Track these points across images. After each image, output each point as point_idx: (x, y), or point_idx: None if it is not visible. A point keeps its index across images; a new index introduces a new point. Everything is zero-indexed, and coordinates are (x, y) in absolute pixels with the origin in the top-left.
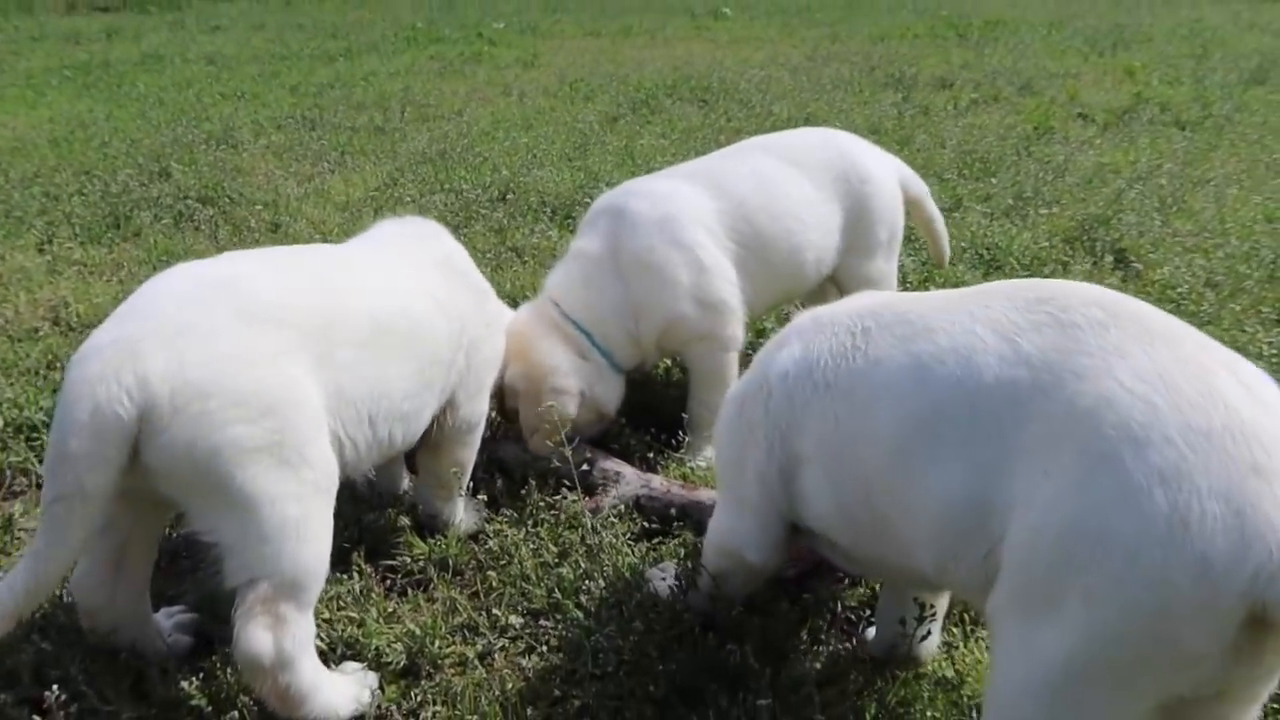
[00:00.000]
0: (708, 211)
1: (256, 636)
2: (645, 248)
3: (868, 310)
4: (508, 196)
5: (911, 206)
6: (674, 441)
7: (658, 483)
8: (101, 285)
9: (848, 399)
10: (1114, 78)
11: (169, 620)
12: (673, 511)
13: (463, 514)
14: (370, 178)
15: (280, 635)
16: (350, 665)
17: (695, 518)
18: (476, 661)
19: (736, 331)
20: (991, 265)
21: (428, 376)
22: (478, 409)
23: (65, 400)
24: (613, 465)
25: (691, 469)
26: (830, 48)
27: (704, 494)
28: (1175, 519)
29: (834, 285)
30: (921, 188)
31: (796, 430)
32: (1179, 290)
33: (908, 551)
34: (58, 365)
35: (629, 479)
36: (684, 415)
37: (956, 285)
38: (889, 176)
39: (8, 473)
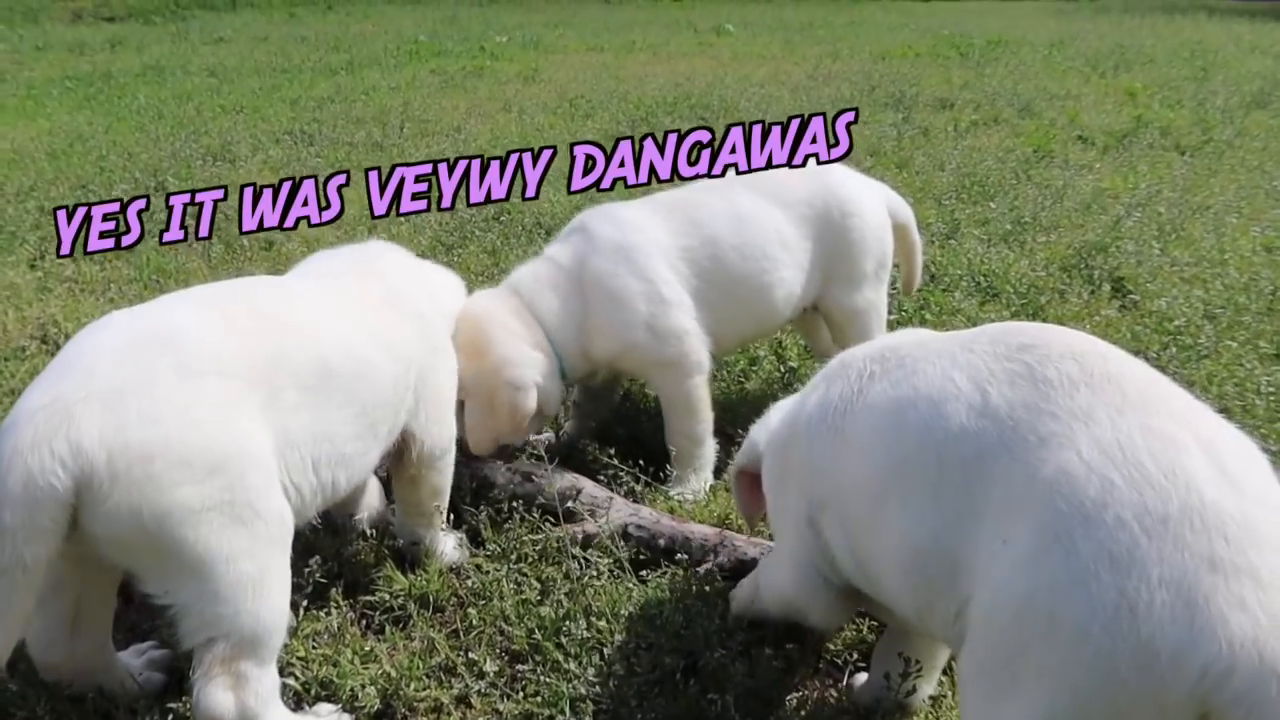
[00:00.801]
0: (675, 246)
1: (217, 698)
2: (607, 273)
3: (879, 352)
4: (502, 218)
5: (896, 232)
6: (661, 474)
7: (647, 513)
8: (91, 303)
9: (849, 445)
10: (1115, 99)
11: (139, 658)
12: (661, 543)
13: (444, 545)
14: (365, 194)
15: (242, 694)
16: (324, 707)
17: (683, 551)
18: (451, 707)
19: (700, 357)
20: (988, 293)
21: (372, 418)
22: (445, 434)
23: None
24: (601, 493)
25: (679, 502)
26: (831, 66)
27: (694, 528)
28: (1123, 605)
29: (821, 317)
30: (907, 214)
31: (818, 475)
32: (1176, 323)
33: (895, 600)
34: None
35: (617, 506)
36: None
37: (952, 313)
38: (875, 207)
39: None
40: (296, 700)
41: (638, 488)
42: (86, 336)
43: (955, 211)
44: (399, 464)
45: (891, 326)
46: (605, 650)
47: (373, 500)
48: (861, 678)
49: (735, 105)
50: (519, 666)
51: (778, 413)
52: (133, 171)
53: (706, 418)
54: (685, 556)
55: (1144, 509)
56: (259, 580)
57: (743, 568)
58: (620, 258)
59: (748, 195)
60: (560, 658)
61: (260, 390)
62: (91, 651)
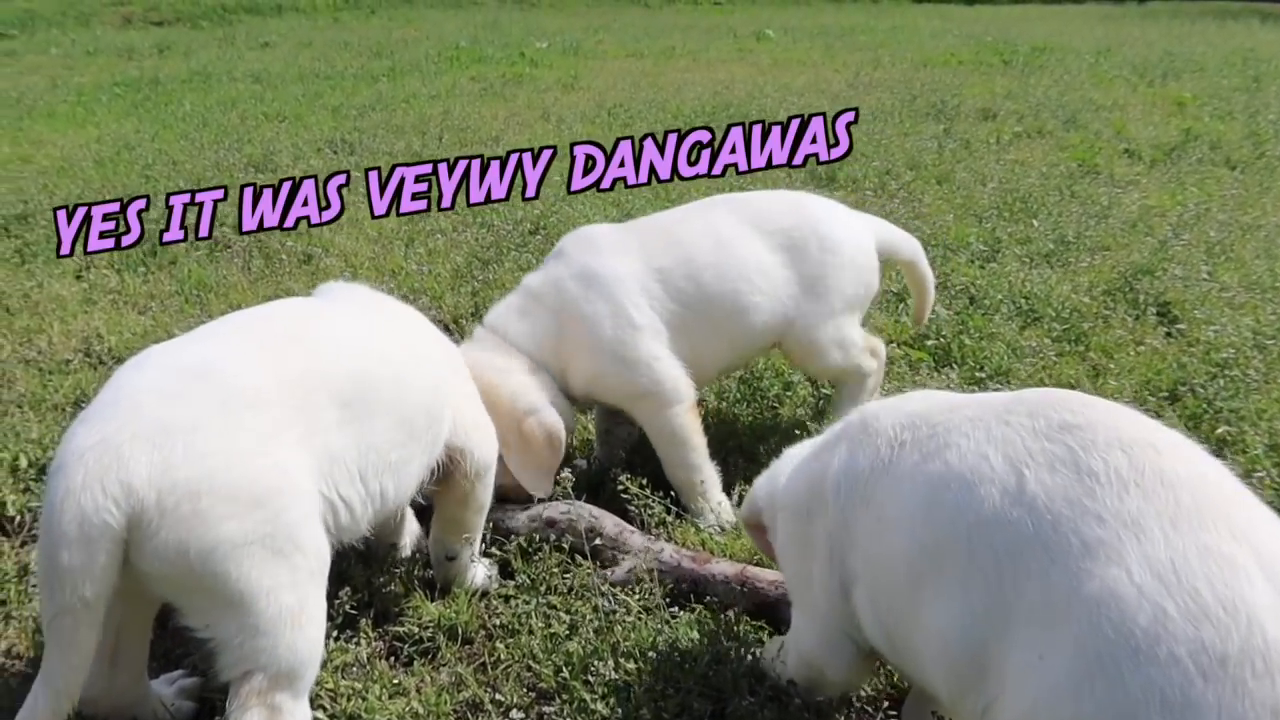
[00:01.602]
0: (650, 268)
1: None
2: (576, 297)
3: (909, 419)
4: (538, 232)
5: (904, 269)
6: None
7: (668, 554)
8: (134, 317)
9: (880, 517)
10: (1163, 110)
11: (170, 687)
12: (684, 586)
13: (476, 570)
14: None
15: None
16: None
17: (704, 592)
18: None
19: (676, 385)
20: (1029, 316)
21: (412, 425)
22: (488, 449)
23: (51, 512)
24: (621, 535)
25: (708, 534)
26: (872, 74)
27: (716, 568)
28: None
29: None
30: (913, 250)
31: (850, 546)
32: (1224, 353)
33: (929, 683)
34: (86, 402)
35: (636, 552)
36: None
37: (991, 337)
38: (858, 245)
39: (27, 517)
40: None
41: (668, 518)
42: (128, 374)
43: (996, 230)
44: (449, 483)
45: (930, 351)
46: (633, 690)
47: (411, 529)
48: None
49: (774, 114)
50: (546, 708)
51: (787, 464)
52: (177, 181)
53: (697, 445)
54: (713, 599)
55: (1200, 646)
56: (298, 612)
57: (763, 609)
58: (589, 282)
59: (729, 219)
60: (587, 698)
61: (300, 416)
62: (129, 684)
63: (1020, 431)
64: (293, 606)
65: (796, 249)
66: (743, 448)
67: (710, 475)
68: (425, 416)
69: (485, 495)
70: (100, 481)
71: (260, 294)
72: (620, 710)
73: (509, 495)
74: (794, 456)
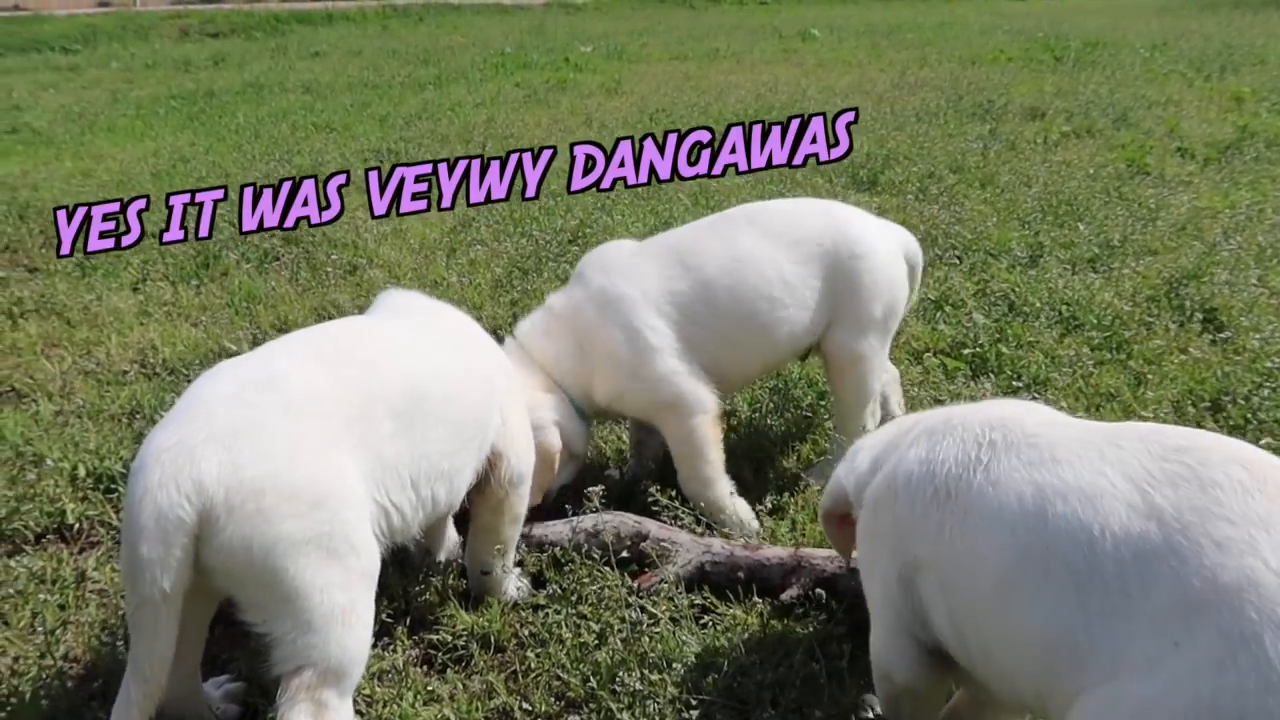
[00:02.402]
0: (665, 291)
1: None
2: (593, 322)
3: (998, 422)
4: (578, 240)
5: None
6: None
7: (718, 546)
8: (187, 329)
9: (965, 514)
10: (1219, 106)
11: (217, 690)
12: (740, 575)
13: (508, 581)
14: (448, 216)
15: None
16: None
17: (761, 579)
18: None
19: (697, 396)
20: (1070, 324)
21: (464, 434)
22: (528, 453)
23: (131, 508)
24: (667, 534)
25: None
26: (919, 73)
27: (768, 552)
28: None
29: (820, 357)
30: (918, 261)
31: (917, 535)
32: (1270, 363)
33: (1003, 676)
34: (141, 412)
35: (687, 547)
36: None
37: (1030, 345)
38: (888, 251)
39: (85, 524)
40: None
41: (698, 528)
42: (202, 384)
43: (1040, 234)
44: (484, 490)
45: (967, 360)
46: (658, 701)
47: (451, 537)
48: None
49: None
50: (572, 717)
51: (865, 454)
52: (230, 193)
53: (714, 458)
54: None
55: None
56: (348, 611)
57: (824, 584)
58: (606, 307)
59: (750, 234)
60: (613, 707)
61: (357, 426)
62: (183, 681)
63: (1136, 454)
64: (344, 605)
65: (827, 257)
66: (772, 459)
67: (723, 489)
68: (475, 425)
69: (520, 505)
70: (175, 480)
71: (307, 305)
72: (645, 719)
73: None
74: (871, 447)
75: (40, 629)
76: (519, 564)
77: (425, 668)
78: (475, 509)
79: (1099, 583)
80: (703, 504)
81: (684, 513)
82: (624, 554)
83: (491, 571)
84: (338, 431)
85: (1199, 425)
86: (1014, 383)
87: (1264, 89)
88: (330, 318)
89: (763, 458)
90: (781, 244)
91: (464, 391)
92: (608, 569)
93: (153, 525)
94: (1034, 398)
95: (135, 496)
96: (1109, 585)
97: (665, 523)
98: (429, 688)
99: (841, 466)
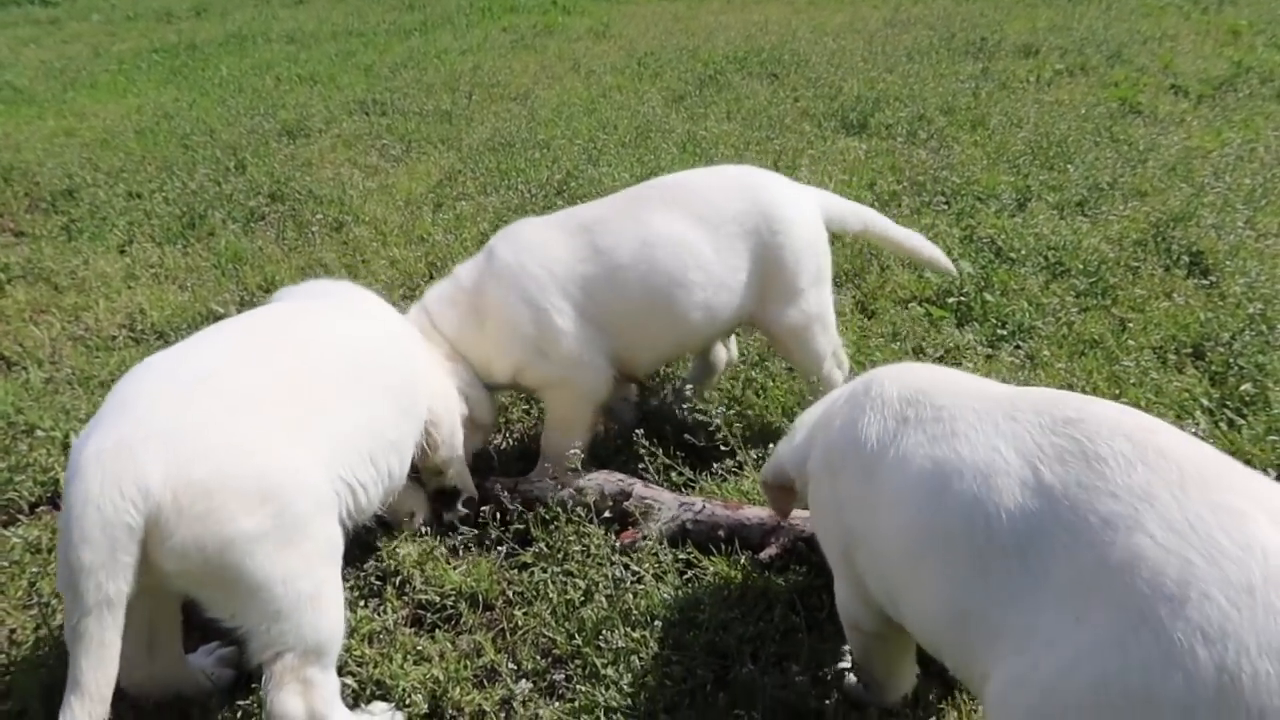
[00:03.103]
0: (574, 274)
1: (289, 703)
2: (499, 299)
3: (913, 396)
4: (564, 193)
5: (876, 240)
6: (709, 461)
7: (700, 505)
8: (174, 292)
9: (880, 490)
10: (1216, 40)
11: (209, 657)
12: (720, 534)
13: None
14: (433, 169)
15: (310, 698)
16: (379, 706)
17: (742, 537)
18: (494, 717)
19: (590, 387)
20: (1056, 270)
21: (402, 402)
22: (452, 408)
23: (71, 515)
24: (650, 493)
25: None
26: (912, 9)
27: (748, 512)
28: (1224, 679)
29: (761, 330)
30: (868, 219)
31: (852, 509)
32: (1254, 308)
33: (930, 646)
34: None
35: (670, 506)
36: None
37: (1017, 292)
38: (807, 220)
39: None
40: (354, 698)
41: (688, 472)
42: (135, 380)
43: (1029, 178)
44: (424, 456)
45: (951, 308)
46: (641, 656)
47: (421, 503)
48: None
49: (806, 59)
50: (557, 675)
51: (802, 430)
52: (214, 150)
53: (578, 438)
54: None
55: (1227, 583)
56: (315, 596)
57: (803, 545)
58: (513, 284)
59: (665, 215)
60: (598, 663)
61: (300, 409)
62: (169, 665)
63: (1028, 428)
64: (310, 591)
65: (748, 238)
66: (758, 413)
67: (566, 459)
68: (410, 393)
69: (458, 448)
70: (119, 484)
71: (294, 264)
72: (629, 675)
73: None
74: (807, 423)
75: (36, 600)
76: (507, 526)
77: (415, 628)
78: (426, 474)
79: (999, 559)
80: (548, 464)
81: (676, 465)
82: (607, 513)
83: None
84: (280, 421)
85: (1180, 371)
86: (999, 330)
87: (1261, 21)
88: (316, 277)
89: (749, 413)
90: (699, 226)
91: (396, 364)
92: (592, 527)
93: (98, 531)
94: (1018, 347)
95: (75, 503)
96: (1010, 562)
97: (649, 481)
98: (418, 648)
99: (783, 442)
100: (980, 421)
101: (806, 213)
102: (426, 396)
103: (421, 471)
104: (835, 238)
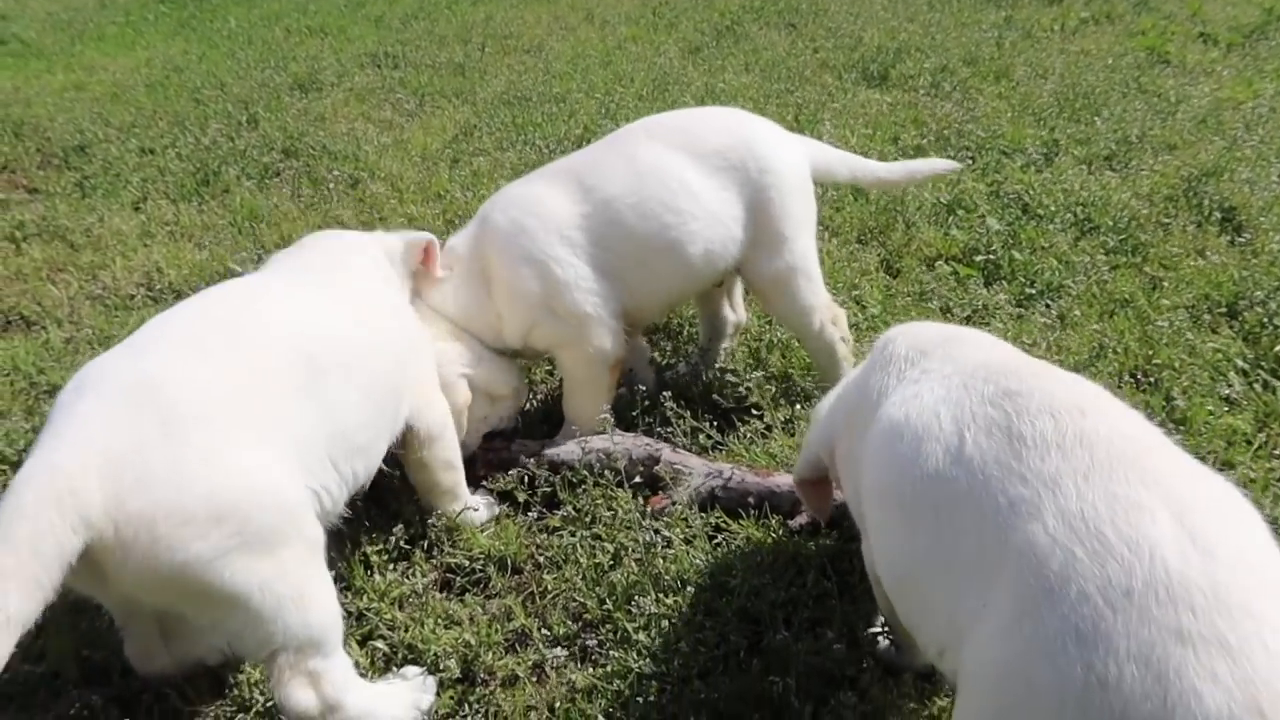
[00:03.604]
0: (569, 218)
1: (297, 695)
2: (499, 261)
3: (914, 355)
4: (582, 145)
5: (870, 185)
6: (734, 422)
7: (729, 471)
8: (191, 250)
9: (863, 448)
10: None
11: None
12: (750, 500)
13: (473, 514)
14: (449, 124)
15: (320, 687)
16: (410, 670)
17: (772, 505)
18: (526, 681)
19: (603, 342)
20: (1085, 226)
21: (375, 402)
22: (436, 414)
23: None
24: (679, 458)
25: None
26: None
27: (779, 479)
28: (1092, 680)
29: (746, 282)
30: (854, 165)
31: (853, 464)
32: None
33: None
34: None
35: (697, 471)
36: (716, 398)
37: (1044, 250)
38: (794, 163)
39: None
40: (385, 662)
41: (716, 435)
42: (70, 397)
43: (1055, 131)
44: (406, 451)
45: (979, 266)
46: (673, 621)
47: None
48: (884, 642)
49: (825, 8)
50: (589, 640)
51: (825, 410)
52: (225, 104)
53: (600, 400)
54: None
55: (1107, 582)
56: (298, 595)
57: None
58: (511, 243)
59: (650, 146)
60: (629, 628)
61: (255, 411)
62: (188, 649)
63: (971, 394)
64: (290, 593)
65: (735, 171)
66: (783, 372)
67: (592, 425)
68: (389, 397)
69: (444, 455)
70: (57, 508)
71: (311, 222)
72: (660, 641)
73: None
74: (828, 401)
75: None
76: (534, 489)
77: (444, 591)
78: (408, 469)
79: (921, 524)
80: (574, 426)
81: (706, 427)
82: (637, 479)
83: (449, 515)
84: (231, 426)
85: (1214, 331)
86: (1027, 289)
87: None
88: None
89: (773, 372)
90: (685, 156)
91: (369, 358)
92: (620, 490)
93: (24, 540)
94: (1047, 306)
95: (6, 515)
96: (927, 527)
97: (676, 446)
98: (449, 611)
99: (811, 431)
100: (939, 385)
101: (794, 156)
102: (410, 392)
103: (405, 465)
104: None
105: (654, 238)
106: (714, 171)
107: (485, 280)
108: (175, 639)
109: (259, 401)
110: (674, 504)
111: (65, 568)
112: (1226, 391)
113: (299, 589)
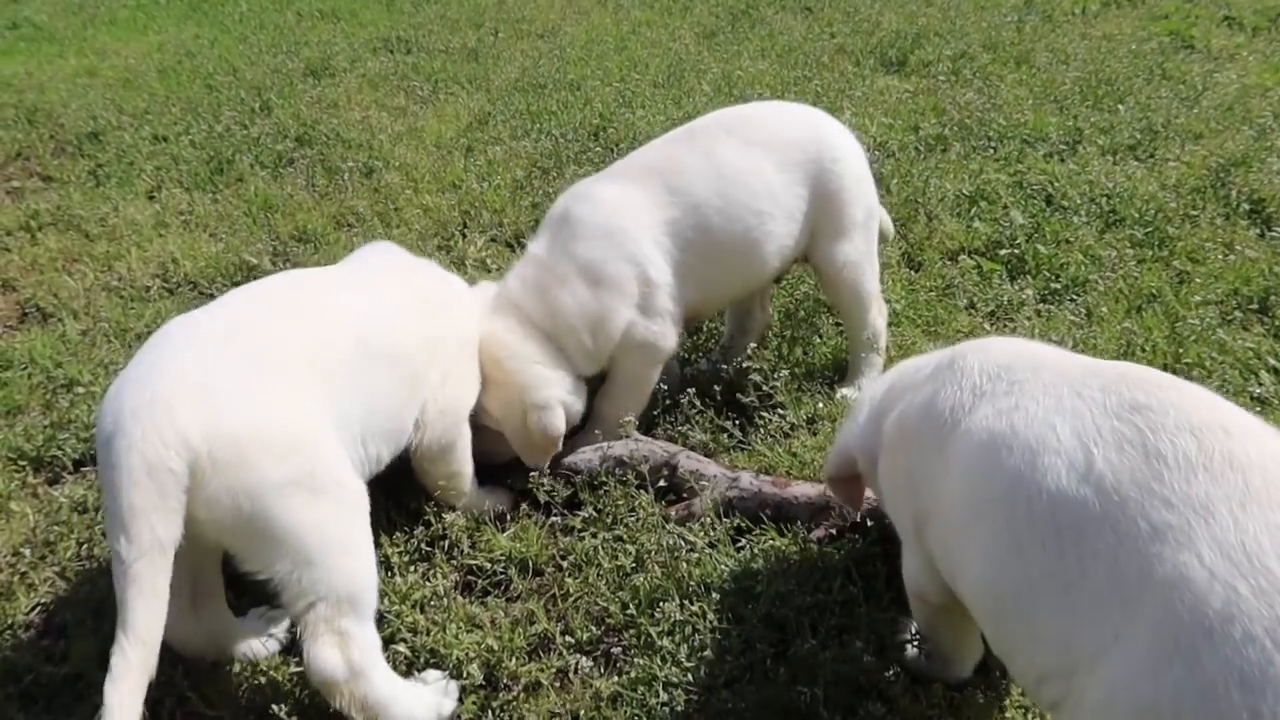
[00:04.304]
0: (658, 221)
1: (325, 655)
2: (596, 260)
3: (996, 369)
4: (599, 137)
5: None
6: (757, 421)
7: (746, 480)
8: (206, 241)
9: (947, 465)
10: None
11: (261, 619)
12: (767, 512)
13: (481, 500)
14: (463, 111)
15: (348, 649)
16: (432, 674)
17: (789, 516)
18: (550, 688)
19: (669, 344)
20: (1110, 219)
21: (407, 393)
22: (449, 428)
23: (118, 463)
24: (697, 465)
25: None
26: None
27: (797, 490)
28: None
29: (811, 268)
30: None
31: (925, 483)
32: None
33: (984, 631)
34: None
35: (717, 478)
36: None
37: (1067, 244)
38: (860, 154)
39: None
40: (408, 666)
41: (738, 434)
42: (168, 336)
43: (1078, 119)
44: (414, 454)
45: (1003, 260)
46: (698, 628)
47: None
48: (911, 650)
49: None
50: (612, 646)
51: (865, 408)
52: (238, 91)
53: (645, 401)
54: (797, 524)
55: (1275, 623)
56: (345, 541)
57: (854, 529)
58: (607, 242)
59: (729, 145)
60: (653, 632)
61: (317, 375)
62: (213, 620)
63: (1091, 406)
64: (339, 537)
65: (810, 163)
66: (803, 367)
67: (622, 425)
68: (417, 391)
69: (445, 469)
70: (160, 435)
71: (326, 212)
72: (685, 647)
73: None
74: (869, 399)
75: (86, 559)
76: (553, 493)
77: (465, 593)
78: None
79: (1037, 545)
80: (598, 430)
81: (726, 426)
82: (662, 483)
83: (456, 509)
84: (302, 379)
85: (1245, 329)
86: (1052, 284)
87: None
88: (350, 226)
89: (794, 368)
90: (764, 153)
91: (410, 353)
92: (642, 492)
93: (145, 477)
94: (1073, 300)
95: (119, 451)
96: (1046, 549)
97: (693, 452)
98: (470, 614)
99: (844, 428)
100: (1044, 395)
101: (858, 147)
102: (430, 396)
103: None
104: (880, 186)
105: (737, 240)
106: (790, 166)
107: (575, 287)
108: (205, 611)
109: (320, 368)
110: (692, 514)
111: (185, 490)
112: (1258, 391)
113: (347, 535)
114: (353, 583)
